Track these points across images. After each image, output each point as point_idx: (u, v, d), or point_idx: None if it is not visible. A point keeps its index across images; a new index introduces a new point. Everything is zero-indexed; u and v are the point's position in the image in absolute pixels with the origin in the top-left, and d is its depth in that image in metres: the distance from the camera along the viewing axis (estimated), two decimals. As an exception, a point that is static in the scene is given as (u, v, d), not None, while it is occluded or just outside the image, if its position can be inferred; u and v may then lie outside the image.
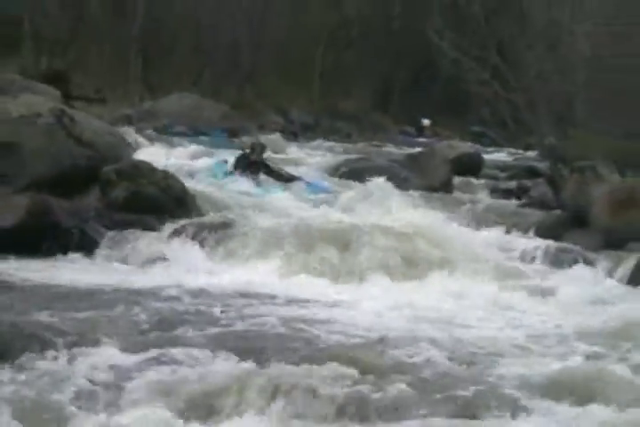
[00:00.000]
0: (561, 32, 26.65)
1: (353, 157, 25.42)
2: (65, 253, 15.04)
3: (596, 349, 9.98)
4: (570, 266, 15.21)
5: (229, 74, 31.47)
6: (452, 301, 12.86)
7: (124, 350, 9.51)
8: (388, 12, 37.88)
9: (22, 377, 8.59)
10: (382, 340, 10.38)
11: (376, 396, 8.42)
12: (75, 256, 15.07)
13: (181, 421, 8.15)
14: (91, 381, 8.78)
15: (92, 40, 31.75)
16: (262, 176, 20.17)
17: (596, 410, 7.87)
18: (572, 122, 25.07)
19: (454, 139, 29.37)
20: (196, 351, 9.64)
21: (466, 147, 26.54)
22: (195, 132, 29.07)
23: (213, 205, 17.51)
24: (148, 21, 34.09)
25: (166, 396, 8.61)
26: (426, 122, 36.52)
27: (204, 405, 8.75)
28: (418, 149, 25.97)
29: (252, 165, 20.04)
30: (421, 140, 32.00)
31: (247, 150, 20.66)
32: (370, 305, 12.12)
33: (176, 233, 15.50)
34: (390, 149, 29.41)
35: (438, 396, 8.51)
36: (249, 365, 9.21)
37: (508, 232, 17.74)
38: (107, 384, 8.91)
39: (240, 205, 17.70)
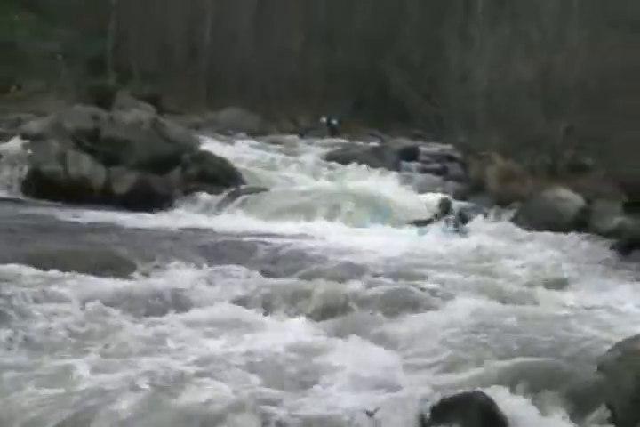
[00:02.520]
0: (469, 71, 29.73)
1: (338, 148, 30.44)
2: (159, 209, 20.46)
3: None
4: (474, 215, 21.05)
5: (261, 97, 35.18)
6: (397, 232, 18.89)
7: (195, 266, 12.89)
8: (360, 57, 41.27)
9: (131, 284, 11.37)
10: (337, 251, 15.16)
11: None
12: (164, 211, 20.55)
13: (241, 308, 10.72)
14: (173, 288, 11.35)
15: (175, 74, 36.42)
16: None
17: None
18: (475, 128, 28.30)
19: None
20: (242, 268, 12.72)
21: (408, 142, 32.04)
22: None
23: (250, 178, 22.95)
24: (212, 61, 39.22)
25: (220, 294, 11.33)
26: (334, 121, 38.23)
27: (260, 299, 11.12)
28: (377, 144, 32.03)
29: None
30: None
31: None
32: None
33: (226, 196, 21.32)
34: (360, 143, 33.18)
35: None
36: (273, 278, 12.36)
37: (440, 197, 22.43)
38: (182, 289, 11.43)
39: (267, 178, 23.26)
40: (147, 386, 7.36)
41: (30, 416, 6.86)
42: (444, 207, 21.17)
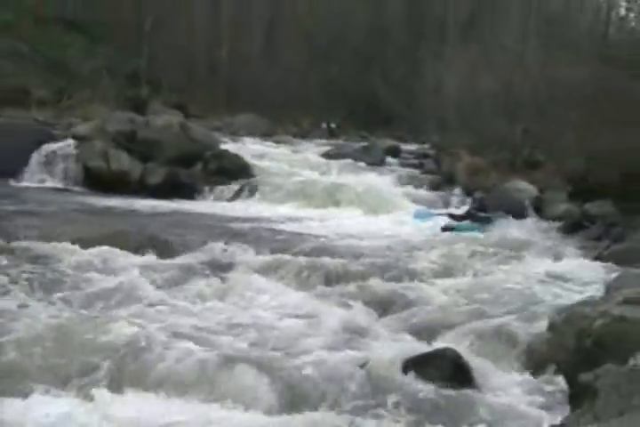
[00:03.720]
0: (441, 84, 30.04)
1: (334, 147, 30.05)
2: (185, 197, 20.74)
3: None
4: (447, 204, 21.18)
5: (270, 105, 35.10)
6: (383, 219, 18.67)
7: (215, 243, 12.65)
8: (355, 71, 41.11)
9: (162, 258, 11.47)
10: (334, 232, 15.54)
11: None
12: (190, 198, 20.82)
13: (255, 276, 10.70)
14: (198, 261, 11.53)
15: (198, 86, 35.98)
16: None
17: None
18: (447, 130, 28.56)
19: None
20: (253, 245, 12.78)
21: (392, 142, 31.24)
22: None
23: (260, 171, 22.92)
24: (229, 76, 38.56)
25: (236, 265, 11.35)
26: (333, 125, 37.63)
27: (274, 266, 11.27)
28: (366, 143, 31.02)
29: None
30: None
31: None
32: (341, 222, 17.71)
33: (240, 186, 21.66)
34: (352, 143, 32.44)
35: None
36: (280, 254, 12.19)
37: (415, 187, 23.10)
38: (204, 261, 11.51)
39: (274, 172, 23.03)
40: (169, 338, 7.45)
41: (86, 358, 6.98)
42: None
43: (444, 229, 16.66)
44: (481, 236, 15.48)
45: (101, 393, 6.30)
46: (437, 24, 39.99)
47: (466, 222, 17.25)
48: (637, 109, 16.67)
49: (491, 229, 16.25)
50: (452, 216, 17.96)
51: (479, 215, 17.61)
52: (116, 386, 6.51)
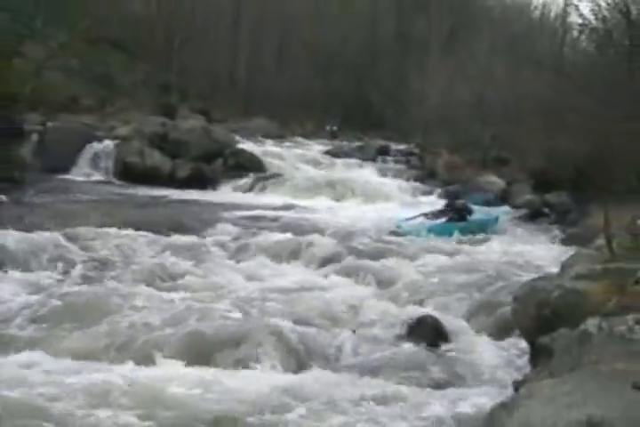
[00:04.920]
0: (424, 94, 29.98)
1: (334, 146, 30.05)
2: (208, 188, 21.03)
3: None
4: (429, 194, 21.08)
5: (279, 110, 34.86)
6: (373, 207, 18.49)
7: (234, 227, 12.88)
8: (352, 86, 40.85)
9: (189, 239, 11.48)
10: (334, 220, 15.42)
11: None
12: (212, 190, 21.08)
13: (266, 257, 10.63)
14: (219, 243, 11.50)
15: (219, 94, 35.66)
16: None
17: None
18: (429, 132, 28.72)
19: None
20: (267, 230, 12.72)
21: (383, 142, 31.02)
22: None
23: (272, 166, 22.98)
24: (245, 85, 38.46)
25: (251, 246, 11.24)
26: (334, 128, 36.66)
27: (285, 254, 11.00)
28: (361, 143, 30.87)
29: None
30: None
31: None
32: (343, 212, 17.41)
33: (254, 179, 21.60)
34: (349, 143, 32.16)
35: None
36: (291, 235, 12.11)
37: (402, 180, 23.05)
38: (224, 243, 11.52)
39: (283, 167, 23.01)
40: (195, 303, 7.55)
41: (140, 319, 7.05)
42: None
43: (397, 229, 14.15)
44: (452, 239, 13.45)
45: (160, 359, 6.34)
46: (421, 44, 39.80)
47: (440, 223, 14.42)
48: (585, 118, 16.65)
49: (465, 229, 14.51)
50: (427, 215, 14.85)
51: (453, 213, 14.69)
52: (165, 352, 6.47)
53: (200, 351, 6.49)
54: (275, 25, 39.96)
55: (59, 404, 5.11)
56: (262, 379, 5.94)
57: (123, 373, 5.80)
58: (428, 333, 7.00)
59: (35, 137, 20.46)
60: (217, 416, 5.07)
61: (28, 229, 10.62)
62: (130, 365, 6.07)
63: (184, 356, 6.32)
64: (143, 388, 5.50)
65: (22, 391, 5.27)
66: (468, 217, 14.72)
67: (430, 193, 21.17)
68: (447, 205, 14.98)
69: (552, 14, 34.79)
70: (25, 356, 6.18)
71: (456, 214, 14.55)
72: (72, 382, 5.52)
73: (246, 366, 6.25)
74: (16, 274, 8.69)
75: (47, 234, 10.54)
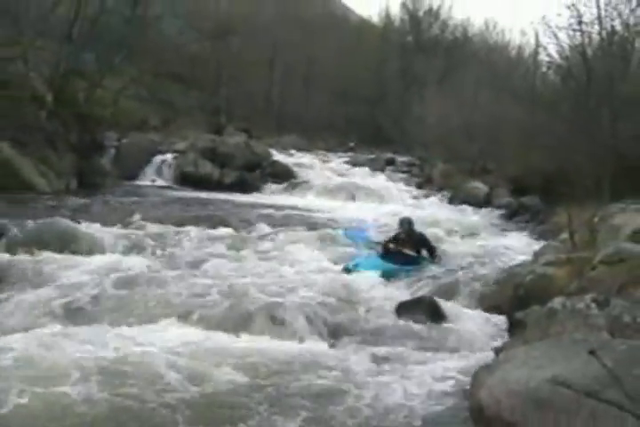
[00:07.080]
0: (424, 118, 28.42)
1: (351, 158, 29.70)
2: (249, 192, 20.73)
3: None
4: (427, 197, 21.01)
5: (307, 129, 34.86)
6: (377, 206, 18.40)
7: (270, 224, 12.38)
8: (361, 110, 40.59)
9: (229, 232, 11.21)
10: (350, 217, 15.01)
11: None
12: (252, 193, 20.80)
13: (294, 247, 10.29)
14: (255, 236, 11.29)
15: (258, 116, 35.52)
16: None
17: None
18: (428, 147, 27.97)
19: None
20: (298, 227, 12.30)
21: (390, 155, 30.92)
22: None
23: (301, 174, 22.95)
24: (279, 109, 38.58)
25: (282, 240, 10.96)
26: (352, 144, 36.05)
27: (305, 236, 11.08)
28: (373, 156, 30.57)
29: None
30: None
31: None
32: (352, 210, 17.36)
33: (287, 185, 21.76)
34: (363, 156, 31.20)
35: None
36: (302, 230, 11.87)
37: (406, 185, 23.15)
38: (261, 236, 11.27)
39: (311, 174, 23.04)
40: (228, 289, 7.34)
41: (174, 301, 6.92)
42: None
43: (346, 269, 9.00)
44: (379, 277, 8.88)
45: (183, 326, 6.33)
46: (420, 78, 39.78)
47: (375, 259, 9.42)
48: (553, 138, 16.60)
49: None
50: (383, 245, 9.75)
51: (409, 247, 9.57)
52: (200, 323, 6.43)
53: (238, 321, 6.43)
54: (302, 62, 40.01)
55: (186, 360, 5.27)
56: (294, 347, 5.94)
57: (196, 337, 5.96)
58: (427, 310, 6.91)
59: (112, 151, 20.78)
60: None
61: (108, 223, 10.69)
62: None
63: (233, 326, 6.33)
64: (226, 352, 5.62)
65: (147, 352, 5.37)
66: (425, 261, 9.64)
67: (427, 196, 21.05)
68: (407, 235, 9.68)
69: (526, 53, 34.93)
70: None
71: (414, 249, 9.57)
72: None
73: (279, 336, 6.17)
74: (98, 257, 8.72)
75: (122, 227, 10.66)
